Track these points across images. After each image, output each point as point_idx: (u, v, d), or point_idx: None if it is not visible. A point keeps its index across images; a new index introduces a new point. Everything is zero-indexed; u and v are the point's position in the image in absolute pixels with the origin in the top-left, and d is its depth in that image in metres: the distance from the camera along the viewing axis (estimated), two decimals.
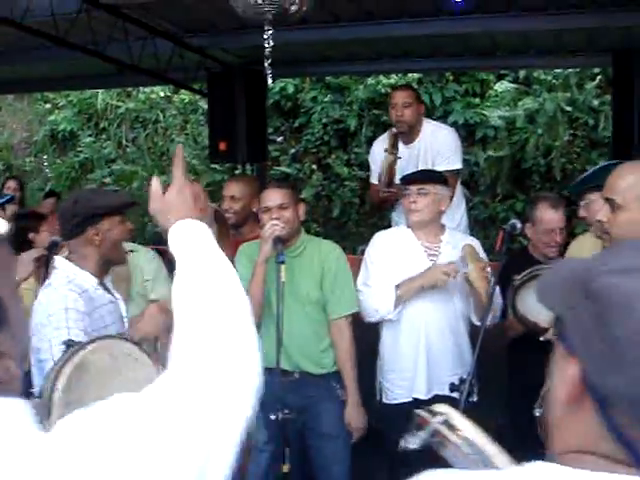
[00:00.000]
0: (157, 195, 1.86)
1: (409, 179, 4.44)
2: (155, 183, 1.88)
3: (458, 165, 5.67)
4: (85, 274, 3.32)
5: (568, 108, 10.92)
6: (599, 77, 10.74)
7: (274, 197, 4.20)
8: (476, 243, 4.38)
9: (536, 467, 1.11)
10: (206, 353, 1.30)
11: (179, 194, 1.83)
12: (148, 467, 1.06)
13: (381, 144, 5.79)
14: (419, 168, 5.45)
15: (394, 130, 5.64)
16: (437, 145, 5.65)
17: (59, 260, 3.41)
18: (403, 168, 5.59)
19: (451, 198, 5.34)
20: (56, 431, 1.05)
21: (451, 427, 1.82)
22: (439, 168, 5.34)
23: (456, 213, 5.72)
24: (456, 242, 4.35)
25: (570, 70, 10.78)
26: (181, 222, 1.72)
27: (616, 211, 2.70)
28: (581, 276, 1.11)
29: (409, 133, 5.75)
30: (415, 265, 4.22)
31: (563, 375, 1.12)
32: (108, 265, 3.43)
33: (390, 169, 5.45)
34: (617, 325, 1.03)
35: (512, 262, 4.00)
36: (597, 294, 1.07)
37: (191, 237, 1.68)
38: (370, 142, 12.21)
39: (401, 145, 5.72)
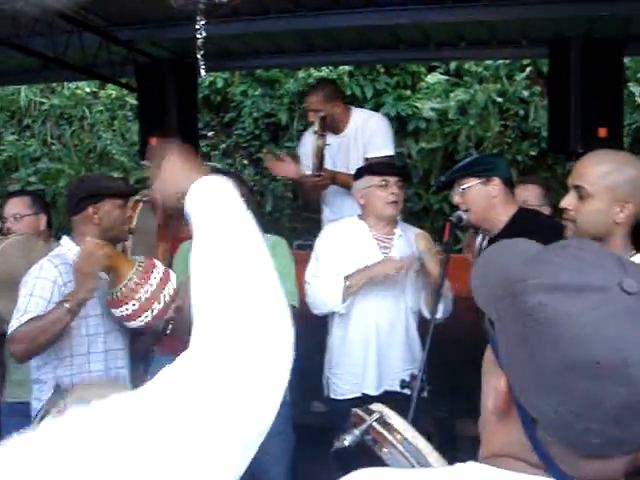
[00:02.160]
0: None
1: (389, 171, 4.35)
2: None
3: (389, 151, 5.60)
4: (77, 248, 3.52)
5: (499, 99, 10.98)
6: (529, 68, 10.81)
7: None
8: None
9: (467, 467, 1.11)
10: (239, 328, 1.21)
11: (172, 163, 1.74)
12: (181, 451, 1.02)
13: (310, 134, 5.72)
14: (350, 156, 5.47)
15: (322, 113, 5.54)
16: (368, 132, 5.62)
17: (63, 238, 3.69)
18: (334, 157, 5.57)
19: None
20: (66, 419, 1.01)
21: (386, 425, 1.86)
22: (370, 155, 5.35)
23: None
24: (408, 235, 4.30)
25: (500, 62, 10.83)
26: (197, 183, 1.56)
27: (585, 199, 2.68)
28: (511, 287, 1.07)
29: (336, 125, 5.67)
30: (367, 258, 4.15)
31: (492, 381, 1.11)
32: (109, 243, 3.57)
33: (319, 152, 5.37)
34: (544, 350, 1.00)
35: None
36: (525, 313, 1.03)
37: (210, 199, 1.51)
38: (301, 136, 12.24)
39: (331, 135, 5.65)
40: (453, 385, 4.46)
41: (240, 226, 1.41)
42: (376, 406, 1.97)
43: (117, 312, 3.41)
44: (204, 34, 4.07)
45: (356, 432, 1.91)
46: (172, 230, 4.55)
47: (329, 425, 4.17)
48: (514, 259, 1.14)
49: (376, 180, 4.21)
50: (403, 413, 2.15)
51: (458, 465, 1.12)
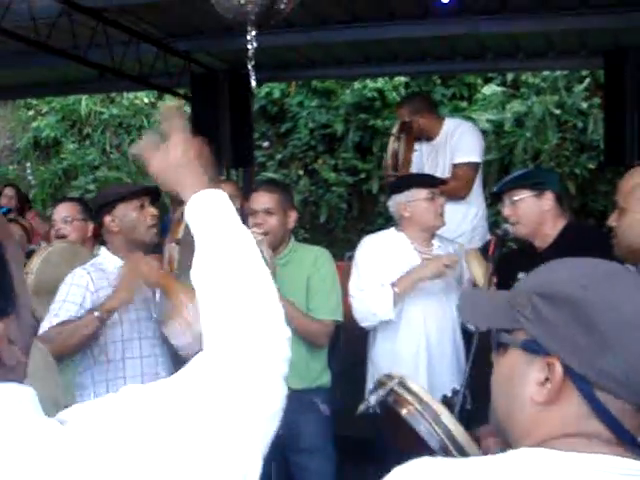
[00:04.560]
0: (155, 154, 1.66)
1: (434, 182, 4.33)
2: (148, 139, 1.71)
3: (475, 158, 5.61)
4: (114, 258, 3.59)
5: (557, 111, 10.86)
6: (587, 80, 10.68)
7: (261, 200, 4.05)
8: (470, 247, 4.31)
9: (522, 453, 1.20)
10: (239, 335, 1.32)
11: (184, 154, 1.63)
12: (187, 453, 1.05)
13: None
14: (438, 162, 5.62)
15: (406, 119, 5.64)
16: (455, 139, 5.68)
17: (102, 249, 3.72)
18: (422, 162, 5.76)
19: (466, 190, 5.43)
20: (72, 419, 1.04)
21: (405, 387, 2.08)
22: (456, 161, 5.43)
23: (471, 207, 5.64)
24: (446, 246, 4.26)
25: (558, 73, 10.71)
26: (198, 194, 1.55)
27: (621, 214, 2.67)
28: (541, 288, 1.28)
29: (426, 134, 5.81)
30: (409, 268, 4.10)
31: (530, 379, 1.25)
32: (138, 247, 3.60)
33: (394, 154, 5.45)
34: (599, 319, 1.19)
35: (511, 258, 3.95)
36: (570, 299, 1.23)
37: (211, 213, 1.52)
38: (357, 147, 12.25)
39: (424, 143, 5.82)
40: None
41: (239, 242, 1.48)
42: (396, 372, 2.20)
43: (166, 332, 3.42)
44: (255, 45, 4.07)
45: (380, 392, 2.10)
46: None
47: (371, 437, 4.14)
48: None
49: (424, 193, 4.17)
50: None
51: (510, 452, 1.21)
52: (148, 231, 3.64)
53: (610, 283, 1.26)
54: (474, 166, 5.60)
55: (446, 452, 1.90)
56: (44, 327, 3.32)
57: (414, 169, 5.58)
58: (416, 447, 1.98)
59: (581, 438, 1.20)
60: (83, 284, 3.45)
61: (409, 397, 2.06)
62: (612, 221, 2.75)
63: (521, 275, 3.94)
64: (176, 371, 1.21)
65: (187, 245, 4.15)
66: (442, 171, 5.44)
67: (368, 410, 2.17)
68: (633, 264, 2.63)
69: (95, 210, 3.71)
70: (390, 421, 2.15)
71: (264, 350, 1.30)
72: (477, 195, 5.77)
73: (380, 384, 2.17)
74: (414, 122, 5.66)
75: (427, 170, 5.58)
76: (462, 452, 1.89)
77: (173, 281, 3.43)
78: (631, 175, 2.74)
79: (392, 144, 5.49)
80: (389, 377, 2.17)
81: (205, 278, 1.42)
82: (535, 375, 1.25)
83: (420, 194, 4.19)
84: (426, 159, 5.78)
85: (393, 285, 4.00)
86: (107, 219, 3.60)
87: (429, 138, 5.80)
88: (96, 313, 3.25)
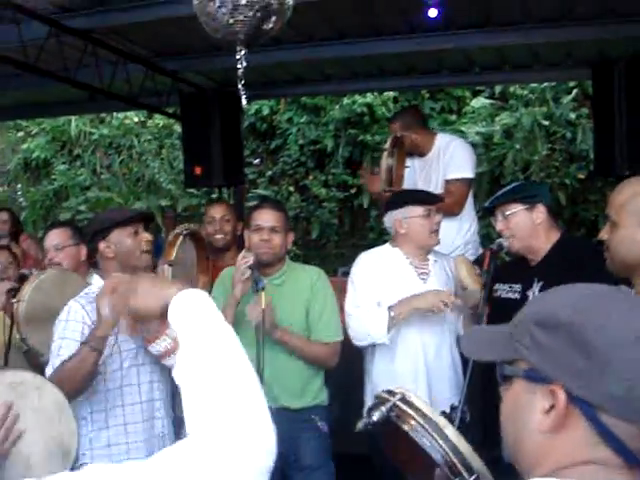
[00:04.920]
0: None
1: (430, 200, 4.34)
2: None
3: (467, 174, 5.62)
4: None
5: (545, 122, 10.91)
6: (575, 90, 10.74)
7: (268, 218, 4.09)
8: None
9: None
10: (221, 429, 1.32)
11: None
12: None
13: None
14: (431, 178, 5.65)
15: (398, 134, 5.63)
16: (448, 155, 5.69)
17: (94, 276, 3.72)
18: (415, 178, 5.77)
19: (459, 207, 5.48)
20: None
21: (408, 403, 2.10)
22: (449, 177, 5.42)
23: (464, 222, 5.66)
24: (441, 261, 4.27)
25: (546, 84, 10.76)
26: (181, 294, 1.66)
27: (613, 228, 2.63)
28: (536, 316, 1.29)
29: (418, 150, 5.83)
30: (406, 284, 4.11)
31: (535, 408, 1.25)
32: (132, 272, 3.49)
33: (389, 169, 5.45)
34: (593, 340, 1.20)
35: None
36: (565, 324, 1.23)
37: (195, 310, 1.61)
38: (347, 162, 12.28)
39: (417, 158, 5.85)
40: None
41: (221, 337, 1.52)
42: (398, 388, 2.21)
43: (153, 349, 3.41)
44: (245, 64, 4.09)
45: (383, 409, 2.12)
46: (212, 263, 4.55)
47: (370, 454, 4.13)
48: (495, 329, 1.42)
49: (419, 210, 4.18)
50: None
51: None
52: (143, 256, 3.63)
53: (601, 305, 1.26)
54: (467, 182, 5.62)
55: (450, 466, 1.92)
56: (48, 371, 3.30)
57: (406, 185, 5.58)
58: (420, 462, 2.00)
59: (590, 465, 1.21)
60: (79, 319, 3.41)
61: (412, 412, 2.08)
62: (603, 235, 2.71)
63: (498, 286, 3.97)
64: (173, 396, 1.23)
65: (180, 266, 4.16)
66: (435, 187, 5.47)
67: (367, 427, 2.18)
68: (625, 278, 2.62)
69: (90, 236, 3.66)
70: (392, 437, 2.16)
71: (246, 444, 1.30)
72: (469, 210, 5.79)
73: (381, 400, 2.18)
74: (406, 137, 5.67)
75: (420, 186, 5.59)
76: (465, 464, 1.91)
77: None
78: (622, 188, 2.68)
79: (385, 159, 5.48)
80: (390, 393, 2.19)
81: (189, 375, 1.46)
82: (540, 404, 1.25)
83: (416, 211, 4.20)
84: (418, 175, 5.78)
85: (390, 308, 4.01)
86: (102, 245, 3.58)
87: (421, 154, 5.82)
88: (91, 343, 3.23)
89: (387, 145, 5.57)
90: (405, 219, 4.22)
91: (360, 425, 2.21)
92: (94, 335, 3.22)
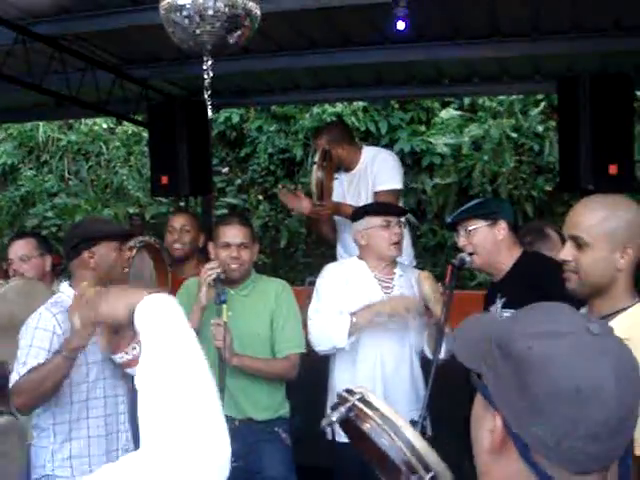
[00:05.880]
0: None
1: (390, 211, 4.33)
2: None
3: (396, 185, 5.61)
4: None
5: (513, 134, 11.00)
6: (543, 103, 10.83)
7: (236, 233, 4.07)
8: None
9: None
10: (176, 438, 1.29)
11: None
12: None
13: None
14: (360, 191, 5.57)
15: (326, 147, 5.59)
16: (375, 168, 5.65)
17: (62, 285, 3.62)
18: (344, 192, 5.67)
19: None
20: None
21: (366, 403, 2.10)
22: (378, 189, 5.38)
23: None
24: (408, 275, 4.26)
25: (514, 97, 10.84)
26: (148, 298, 1.64)
27: (584, 249, 2.53)
28: (500, 338, 1.27)
29: (345, 164, 5.76)
30: (369, 297, 4.10)
31: (485, 425, 1.27)
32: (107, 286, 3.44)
33: (319, 183, 5.40)
34: (534, 384, 1.19)
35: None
36: (516, 356, 1.22)
37: (158, 314, 1.59)
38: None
39: (343, 173, 5.78)
40: (459, 425, 4.40)
41: (183, 342, 1.49)
42: (358, 388, 2.21)
43: (117, 358, 3.37)
44: (211, 74, 4.08)
45: (342, 409, 2.13)
46: (171, 274, 4.52)
47: (332, 467, 4.12)
48: (492, 322, 1.40)
49: (378, 221, 4.17)
50: None
51: None
52: (122, 273, 3.64)
53: (557, 348, 1.22)
54: (396, 193, 5.60)
55: (407, 463, 1.92)
56: (13, 378, 3.24)
57: (335, 198, 5.54)
58: (380, 460, 2.00)
59: None
60: (49, 328, 3.36)
61: (370, 412, 2.08)
62: (567, 255, 2.59)
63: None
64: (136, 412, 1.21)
65: (136, 278, 4.14)
66: (365, 200, 5.42)
67: (330, 426, 2.19)
68: (582, 300, 2.59)
69: (74, 242, 3.58)
70: (357, 436, 2.17)
71: (198, 458, 1.28)
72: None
73: (341, 400, 2.19)
74: (333, 151, 5.63)
75: (349, 199, 5.57)
76: (421, 460, 1.91)
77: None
78: (592, 209, 2.59)
79: (316, 173, 5.42)
80: (350, 392, 2.19)
81: (145, 382, 1.42)
82: (487, 423, 1.27)
83: (375, 222, 4.20)
84: (347, 188, 5.73)
85: (352, 315, 4.00)
86: (85, 254, 3.53)
87: (347, 168, 5.76)
88: (63, 353, 3.18)
89: (317, 159, 5.54)
90: (365, 230, 4.23)
91: (323, 424, 2.22)
92: (68, 346, 3.18)
